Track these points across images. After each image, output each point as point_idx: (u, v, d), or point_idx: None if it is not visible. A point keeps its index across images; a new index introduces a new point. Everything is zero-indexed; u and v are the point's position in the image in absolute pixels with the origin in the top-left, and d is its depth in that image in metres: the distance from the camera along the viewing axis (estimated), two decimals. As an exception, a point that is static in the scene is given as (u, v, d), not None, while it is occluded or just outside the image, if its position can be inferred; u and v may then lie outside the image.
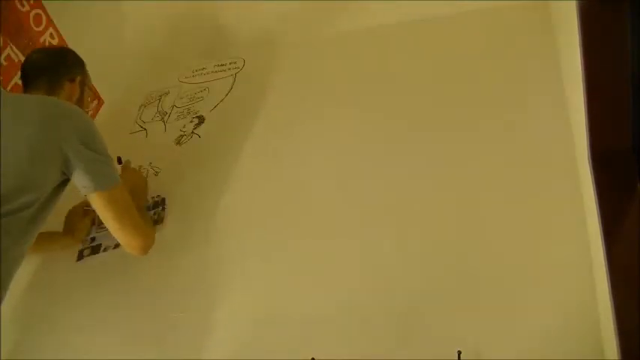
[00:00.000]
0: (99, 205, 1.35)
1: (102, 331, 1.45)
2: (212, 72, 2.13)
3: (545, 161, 1.35)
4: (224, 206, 1.62)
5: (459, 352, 1.09)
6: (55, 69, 1.50)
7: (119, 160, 1.73)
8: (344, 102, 1.75)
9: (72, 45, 1.97)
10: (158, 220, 1.63)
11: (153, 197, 1.70)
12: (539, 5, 1.69)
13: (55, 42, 1.92)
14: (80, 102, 1.55)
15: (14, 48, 1.78)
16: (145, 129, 2.02)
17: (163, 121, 2.01)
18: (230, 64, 2.12)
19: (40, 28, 1.88)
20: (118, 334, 1.43)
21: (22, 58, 1.80)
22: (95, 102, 1.64)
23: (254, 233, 1.51)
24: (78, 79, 1.53)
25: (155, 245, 1.57)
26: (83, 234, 1.65)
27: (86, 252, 1.63)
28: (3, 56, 1.74)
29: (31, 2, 1.84)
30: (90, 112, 1.68)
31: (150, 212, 1.65)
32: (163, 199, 1.68)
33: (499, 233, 1.27)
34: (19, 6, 1.80)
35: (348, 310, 1.27)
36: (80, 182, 1.33)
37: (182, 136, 1.91)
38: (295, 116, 1.78)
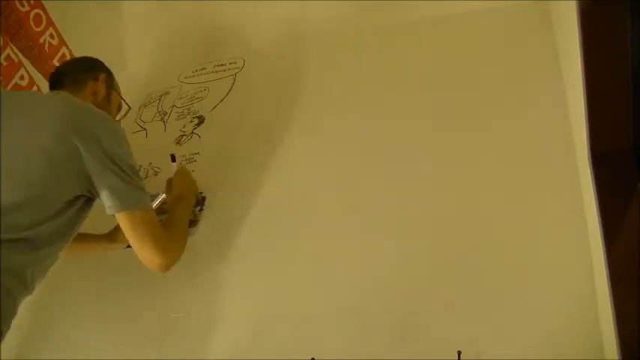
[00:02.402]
0: (122, 223, 1.29)
1: (102, 330, 1.46)
2: (212, 72, 2.13)
3: (545, 161, 1.35)
4: (224, 206, 1.62)
5: (459, 352, 1.09)
6: (78, 69, 1.50)
7: (173, 159, 1.68)
8: (345, 102, 1.75)
9: (72, 45, 1.97)
10: (194, 221, 1.58)
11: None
12: (539, 5, 1.69)
13: (55, 42, 1.92)
14: (106, 102, 1.51)
15: (14, 48, 1.78)
16: (145, 129, 2.02)
17: (163, 121, 2.01)
18: (230, 64, 2.12)
19: (40, 28, 1.87)
20: (118, 333, 1.43)
21: (22, 58, 1.80)
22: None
23: (254, 233, 1.51)
24: (102, 76, 1.50)
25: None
26: (123, 244, 1.53)
27: None
28: (3, 56, 1.74)
29: (31, 2, 1.84)
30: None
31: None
32: (204, 198, 1.64)
33: (499, 233, 1.27)
34: (19, 6, 1.80)
35: (348, 310, 1.27)
36: (105, 202, 1.26)
37: (182, 136, 1.91)
38: (296, 117, 1.78)
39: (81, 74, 1.48)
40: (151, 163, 1.85)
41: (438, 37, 1.81)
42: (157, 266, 1.32)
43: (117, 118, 1.59)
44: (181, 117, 1.99)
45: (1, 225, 1.14)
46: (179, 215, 1.51)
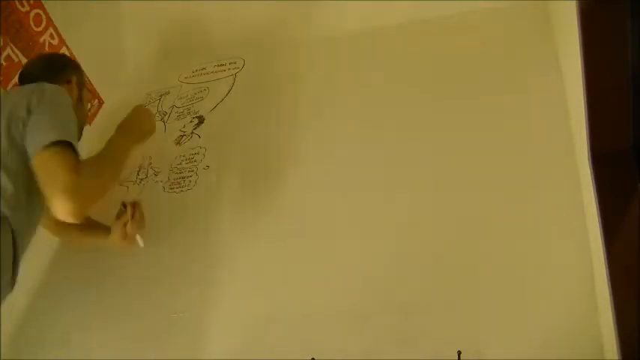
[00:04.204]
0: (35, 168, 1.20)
1: (102, 330, 1.45)
2: (212, 72, 2.13)
3: (545, 161, 1.35)
4: (224, 205, 1.62)
5: (459, 352, 1.09)
6: (50, 73, 1.49)
7: None
8: (345, 101, 1.75)
9: (72, 45, 1.97)
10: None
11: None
12: (539, 5, 1.69)
13: (55, 42, 1.92)
14: (79, 101, 1.54)
15: (14, 48, 1.78)
16: (145, 129, 2.01)
17: (163, 121, 2.01)
18: (230, 64, 2.12)
19: (40, 28, 1.87)
20: (118, 332, 1.43)
21: (22, 58, 1.80)
22: (95, 102, 1.66)
23: (255, 233, 1.51)
24: (74, 79, 1.53)
25: (156, 245, 1.58)
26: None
27: None
28: (3, 56, 1.74)
29: (31, 2, 1.84)
30: (90, 112, 1.67)
31: None
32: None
33: (499, 233, 1.27)
34: (19, 6, 1.80)
35: (348, 310, 1.27)
36: (28, 147, 1.21)
37: (182, 136, 1.91)
38: (295, 117, 1.78)
39: (52, 78, 1.44)
40: (150, 163, 1.85)
41: (438, 38, 1.81)
42: (63, 214, 1.15)
43: (87, 109, 1.63)
44: (181, 117, 1.99)
45: None
46: (113, 145, 1.39)
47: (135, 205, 1.50)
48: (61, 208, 1.14)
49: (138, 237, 1.49)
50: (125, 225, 1.47)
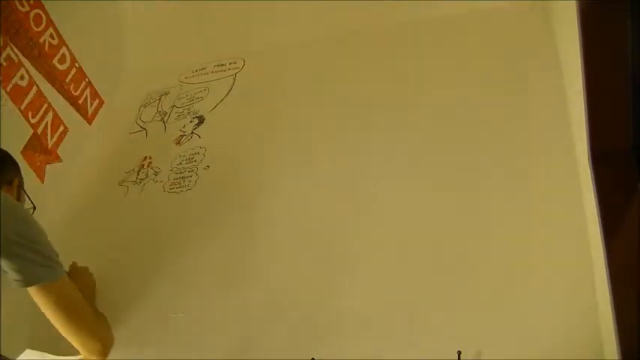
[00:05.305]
0: (38, 300, 1.24)
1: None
2: (212, 72, 2.13)
3: (545, 161, 1.35)
4: (224, 206, 1.62)
5: (459, 352, 1.09)
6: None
7: None
8: (345, 101, 1.75)
9: (72, 45, 1.97)
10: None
11: None
12: (539, 5, 1.69)
13: (55, 42, 1.92)
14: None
15: (14, 48, 1.78)
16: (145, 129, 2.02)
17: (163, 121, 2.01)
18: (230, 64, 2.12)
19: (40, 28, 1.87)
20: (117, 333, 1.43)
21: (22, 58, 1.80)
22: (95, 102, 1.64)
23: (254, 233, 1.51)
24: (15, 182, 1.42)
25: (155, 245, 1.58)
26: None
27: None
28: (3, 56, 1.74)
29: (31, 2, 1.84)
30: (90, 113, 1.62)
31: None
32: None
33: (499, 233, 1.27)
34: (19, 6, 1.80)
35: (348, 310, 1.27)
36: (12, 276, 1.20)
37: (182, 136, 1.91)
38: (296, 116, 1.78)
39: None
40: (150, 163, 1.85)
41: (438, 38, 1.81)
42: (94, 352, 1.26)
43: None
44: (181, 117, 1.99)
45: None
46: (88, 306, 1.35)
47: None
48: (95, 348, 1.27)
49: None
50: None
